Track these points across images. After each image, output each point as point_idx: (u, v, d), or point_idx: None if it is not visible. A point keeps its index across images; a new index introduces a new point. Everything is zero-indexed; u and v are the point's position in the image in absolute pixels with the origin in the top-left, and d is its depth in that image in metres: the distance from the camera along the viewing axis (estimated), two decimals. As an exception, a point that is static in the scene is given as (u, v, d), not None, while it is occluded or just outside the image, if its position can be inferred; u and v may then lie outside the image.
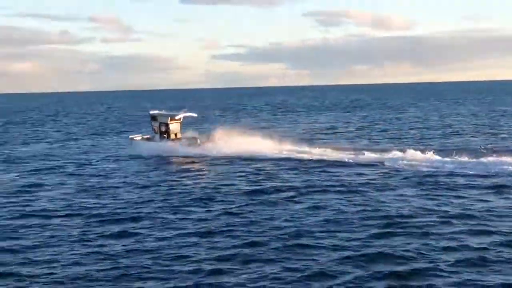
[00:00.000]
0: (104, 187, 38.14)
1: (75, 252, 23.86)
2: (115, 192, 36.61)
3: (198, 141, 54.27)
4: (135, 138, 57.59)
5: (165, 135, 55.35)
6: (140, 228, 27.43)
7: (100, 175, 43.38)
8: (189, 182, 39.36)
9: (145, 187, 38.03)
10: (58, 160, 52.48)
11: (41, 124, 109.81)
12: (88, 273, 21.27)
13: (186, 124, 58.89)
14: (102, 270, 21.56)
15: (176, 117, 56.09)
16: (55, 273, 21.40)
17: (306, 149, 51.33)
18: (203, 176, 41.60)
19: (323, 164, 44.86)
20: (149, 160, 50.68)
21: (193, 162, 48.04)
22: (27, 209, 32.15)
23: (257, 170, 43.07)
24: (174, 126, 55.66)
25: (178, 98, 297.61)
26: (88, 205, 32.76)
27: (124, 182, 39.80)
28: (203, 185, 37.91)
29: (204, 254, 23.17)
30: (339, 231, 25.83)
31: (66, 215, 30.45)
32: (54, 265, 22.33)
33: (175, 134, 55.68)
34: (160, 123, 56.19)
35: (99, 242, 25.27)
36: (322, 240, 24.52)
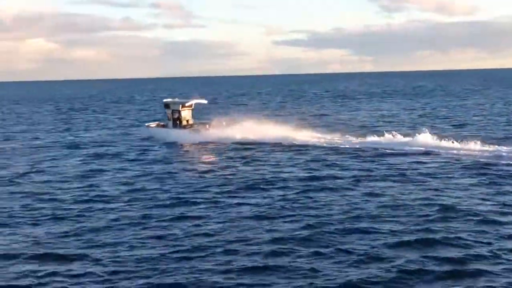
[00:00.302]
0: (164, 172, 38.83)
1: (137, 236, 24.53)
2: (175, 177, 37.28)
3: (207, 126, 56.01)
4: (151, 126, 59.71)
5: (178, 122, 57.26)
6: (200, 212, 27.99)
7: (160, 161, 44.14)
8: (247, 168, 39.75)
9: (204, 172, 38.70)
10: (120, 146, 53.52)
11: (103, 111, 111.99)
12: (150, 255, 21.86)
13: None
14: (164, 252, 22.13)
15: (187, 104, 58.02)
16: (119, 255, 22.08)
17: (355, 138, 50.90)
18: (260, 163, 41.87)
19: (377, 152, 44.66)
20: (207, 146, 51.47)
21: (246, 149, 48.35)
22: (91, 193, 33.07)
23: (311, 158, 43.13)
24: (185, 113, 58.05)
25: (238, 85, 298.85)
26: (149, 190, 33.48)
27: (183, 169, 40.42)
28: (261, 171, 38.24)
29: (263, 236, 23.64)
30: (396, 217, 25.90)
31: (128, 200, 31.24)
32: (118, 248, 23.02)
33: (187, 120, 58.02)
34: (173, 110, 58.25)
35: (160, 226, 25.91)
36: (379, 225, 24.68)
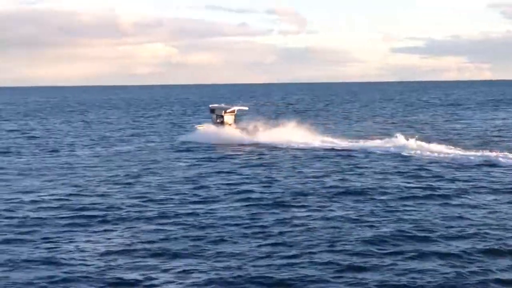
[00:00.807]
0: (268, 177, 39.99)
1: (242, 233, 25.78)
2: (280, 181, 38.26)
3: (248, 130, 60.47)
4: (198, 127, 64.74)
5: (221, 125, 62.74)
6: (303, 213, 29.04)
7: (263, 165, 45.34)
8: (350, 176, 40.15)
9: (308, 177, 39.44)
10: (226, 150, 55.03)
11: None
12: (252, 250, 23.09)
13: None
14: (271, 250, 23.32)
15: (229, 110, 63.66)
16: (223, 251, 23.34)
17: (466, 149, 49.92)
18: (360, 171, 42.09)
19: (488, 163, 43.89)
20: (297, 152, 52.35)
21: (348, 157, 48.70)
22: (198, 194, 34.56)
23: (418, 167, 42.91)
24: (227, 117, 62.92)
25: (351, 91, 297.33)
26: (254, 192, 34.64)
27: (288, 174, 41.33)
28: (363, 179, 38.50)
29: (360, 238, 24.42)
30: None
31: (235, 200, 32.50)
32: (223, 245, 24.28)
33: (229, 124, 62.83)
34: (217, 115, 63.89)
35: (265, 225, 27.13)
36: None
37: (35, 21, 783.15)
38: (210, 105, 68.36)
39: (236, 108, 64.93)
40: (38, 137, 70.59)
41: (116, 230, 26.75)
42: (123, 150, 56.25)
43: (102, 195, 34.26)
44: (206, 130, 62.76)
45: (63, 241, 25.06)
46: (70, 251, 23.70)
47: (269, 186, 36.35)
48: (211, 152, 53.24)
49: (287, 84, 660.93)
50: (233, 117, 63.32)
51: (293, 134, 58.47)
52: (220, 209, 30.42)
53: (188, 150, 55.29)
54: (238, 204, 31.44)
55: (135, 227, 27.32)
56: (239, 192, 34.53)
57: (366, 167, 42.91)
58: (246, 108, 67.69)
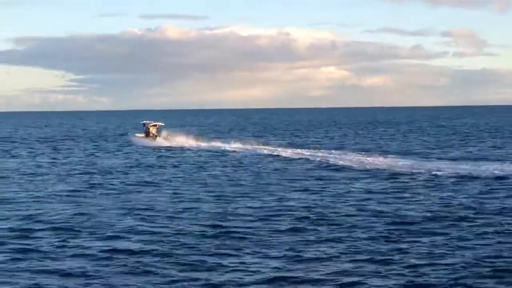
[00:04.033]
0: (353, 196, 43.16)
1: (321, 251, 28.22)
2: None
3: (161, 137, 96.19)
4: (136, 135, 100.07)
5: (147, 134, 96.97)
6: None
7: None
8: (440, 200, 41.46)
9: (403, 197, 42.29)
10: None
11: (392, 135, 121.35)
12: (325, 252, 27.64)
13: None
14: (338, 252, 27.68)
15: (152, 124, 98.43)
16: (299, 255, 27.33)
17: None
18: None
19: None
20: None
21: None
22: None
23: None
24: (152, 129, 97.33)
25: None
26: (338, 210, 37.73)
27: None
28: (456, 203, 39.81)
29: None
30: None
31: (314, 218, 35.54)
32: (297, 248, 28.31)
33: (153, 133, 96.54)
34: (146, 127, 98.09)
35: (332, 229, 32.09)
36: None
37: (215, 46, 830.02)
38: (142, 121, 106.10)
39: (158, 123, 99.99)
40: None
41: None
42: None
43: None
44: (137, 137, 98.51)
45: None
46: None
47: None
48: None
49: (458, 107, 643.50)
50: (156, 128, 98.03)
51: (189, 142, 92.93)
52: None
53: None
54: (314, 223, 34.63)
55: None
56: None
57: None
58: (163, 124, 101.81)
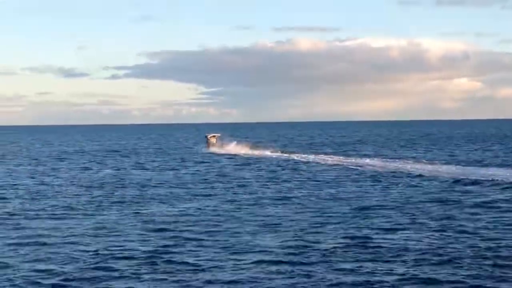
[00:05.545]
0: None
1: (335, 235, 32.37)
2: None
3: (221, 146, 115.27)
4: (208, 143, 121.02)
5: (208, 144, 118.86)
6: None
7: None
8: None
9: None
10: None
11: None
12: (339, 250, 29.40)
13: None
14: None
15: (211, 135, 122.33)
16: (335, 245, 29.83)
17: None
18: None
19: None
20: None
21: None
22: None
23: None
24: (212, 139, 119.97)
25: None
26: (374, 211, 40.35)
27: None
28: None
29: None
30: None
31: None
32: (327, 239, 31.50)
33: (213, 143, 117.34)
34: (207, 138, 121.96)
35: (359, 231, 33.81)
36: None
37: (345, 58, 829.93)
38: (206, 134, 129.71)
39: (216, 134, 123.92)
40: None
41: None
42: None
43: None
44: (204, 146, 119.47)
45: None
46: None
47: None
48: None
49: None
50: (215, 139, 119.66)
51: (236, 149, 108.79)
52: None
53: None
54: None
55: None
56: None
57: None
58: (219, 135, 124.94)
